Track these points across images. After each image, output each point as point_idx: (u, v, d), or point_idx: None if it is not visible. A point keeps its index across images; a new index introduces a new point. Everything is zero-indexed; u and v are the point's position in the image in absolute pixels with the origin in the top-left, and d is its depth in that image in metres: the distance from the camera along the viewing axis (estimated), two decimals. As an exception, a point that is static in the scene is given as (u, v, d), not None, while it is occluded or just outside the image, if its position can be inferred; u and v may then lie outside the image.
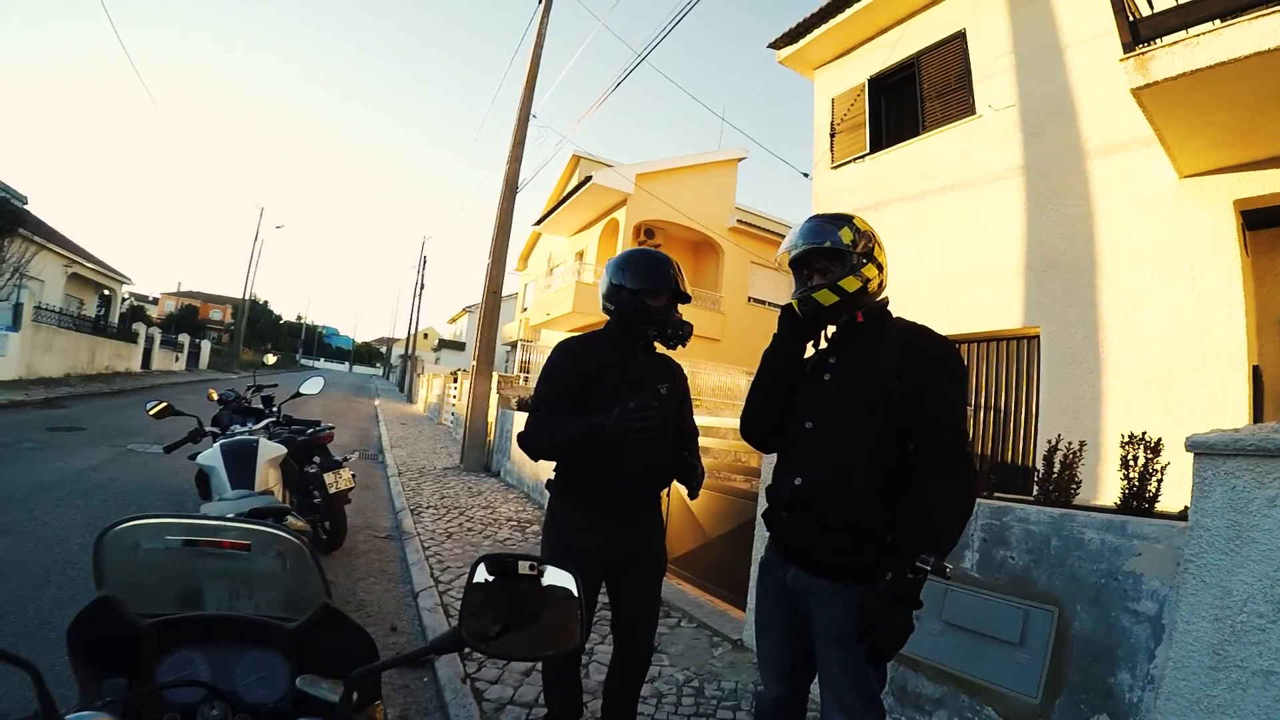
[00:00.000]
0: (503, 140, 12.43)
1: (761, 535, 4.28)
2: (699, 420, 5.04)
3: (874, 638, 1.82)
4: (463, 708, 3.29)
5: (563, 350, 2.69)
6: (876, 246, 2.11)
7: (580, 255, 22.91)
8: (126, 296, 36.98)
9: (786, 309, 2.17)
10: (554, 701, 2.79)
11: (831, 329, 2.19)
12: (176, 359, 31.74)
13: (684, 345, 2.65)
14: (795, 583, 2.06)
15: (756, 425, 2.32)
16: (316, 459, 5.77)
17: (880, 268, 2.11)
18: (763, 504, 4.20)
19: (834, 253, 2.07)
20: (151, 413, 4.95)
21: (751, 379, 2.35)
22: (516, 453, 10.38)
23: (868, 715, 1.97)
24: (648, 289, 2.57)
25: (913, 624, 1.81)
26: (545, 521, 2.76)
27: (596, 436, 2.37)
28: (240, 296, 44.17)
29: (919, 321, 2.11)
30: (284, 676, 1.30)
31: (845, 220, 2.09)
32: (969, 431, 1.94)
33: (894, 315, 2.17)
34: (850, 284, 2.04)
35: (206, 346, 37.97)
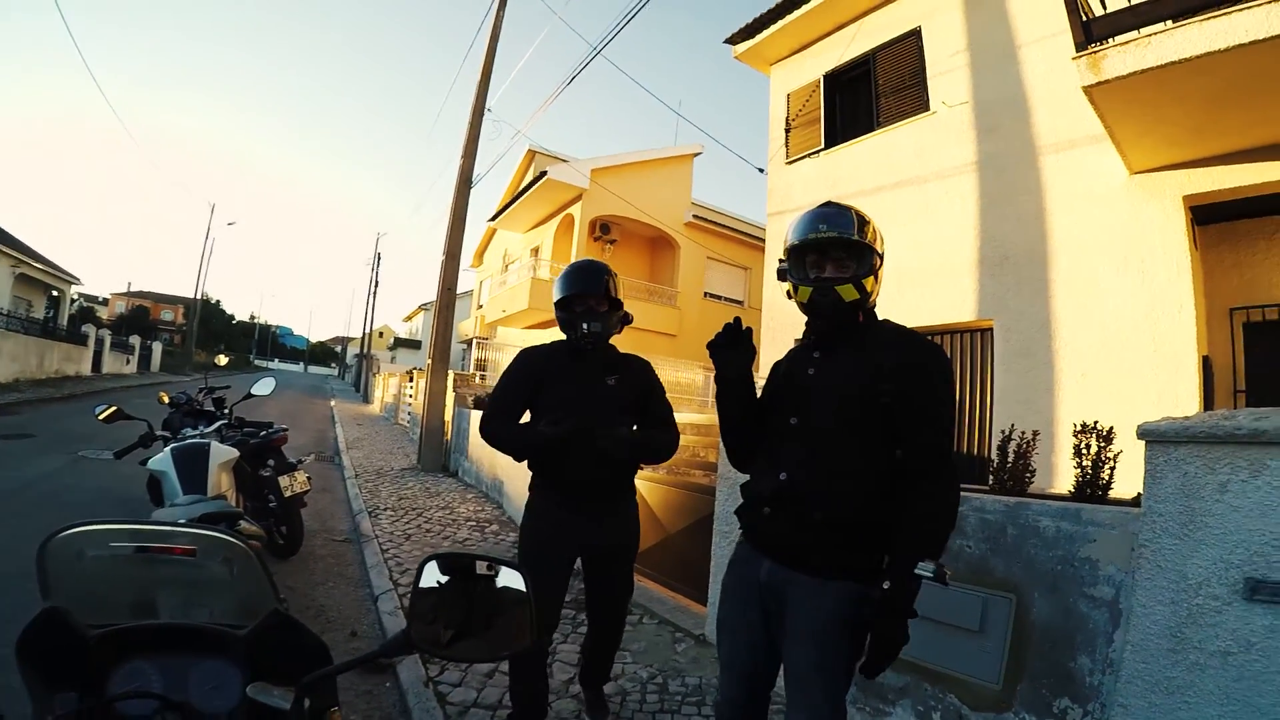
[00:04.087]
0: (458, 134, 12.34)
1: (721, 530, 4.27)
2: None
3: (873, 647, 1.81)
4: (426, 712, 3.24)
5: (519, 357, 2.99)
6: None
7: (536, 251, 22.77)
8: (76, 297, 36.11)
9: (722, 345, 2.08)
10: (519, 698, 2.91)
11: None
12: (128, 361, 30.87)
13: (591, 347, 2.83)
14: (770, 577, 2.01)
15: (743, 456, 2.27)
16: (271, 462, 5.63)
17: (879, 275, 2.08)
18: (723, 499, 4.22)
19: (857, 248, 2.00)
20: (101, 417, 4.83)
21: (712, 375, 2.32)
22: (474, 452, 10.30)
23: (834, 717, 1.95)
24: (564, 296, 2.81)
25: (908, 633, 1.80)
26: (524, 513, 2.96)
27: (534, 441, 2.73)
28: (192, 296, 43.24)
29: (877, 313, 2.11)
30: (237, 685, 1.26)
31: (865, 217, 2.03)
32: (954, 436, 1.94)
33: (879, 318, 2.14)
34: (870, 284, 2.01)
35: (158, 348, 37.03)
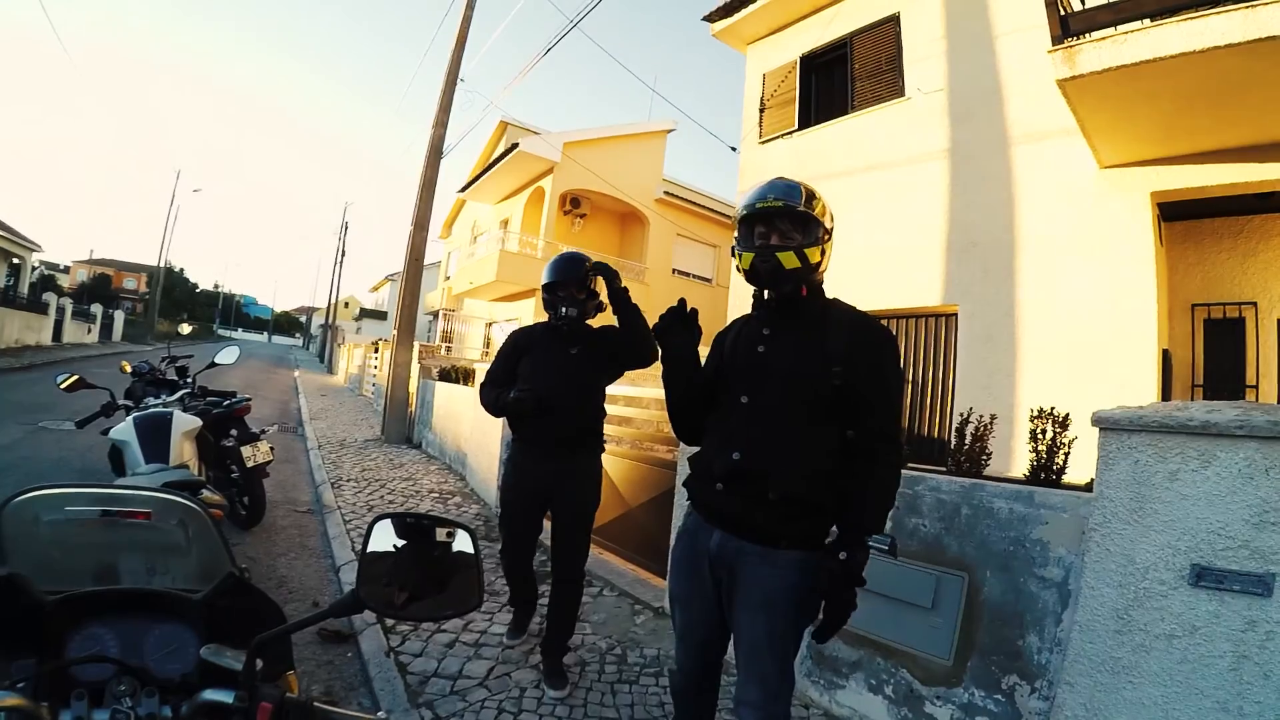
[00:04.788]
0: (430, 103, 12.18)
1: (681, 504, 4.28)
2: (622, 390, 5.17)
3: (828, 614, 1.85)
4: (387, 681, 3.25)
5: (509, 336, 3.63)
6: (827, 213, 2.07)
7: (505, 223, 22.57)
8: (37, 265, 35.18)
9: (672, 325, 2.15)
10: (515, 584, 3.72)
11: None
12: (89, 330, 30.18)
13: (567, 327, 3.35)
14: (721, 547, 2.02)
15: (690, 430, 2.31)
16: (233, 432, 5.54)
17: (828, 248, 2.09)
18: (684, 474, 4.24)
19: (802, 218, 2.01)
20: (62, 386, 4.76)
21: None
22: (438, 424, 10.26)
23: (782, 687, 1.99)
24: (549, 283, 3.32)
25: (857, 600, 1.85)
26: (504, 462, 3.58)
27: (506, 406, 3.28)
28: (155, 264, 42.38)
29: (840, 298, 2.12)
30: (193, 649, 1.26)
31: (814, 191, 2.04)
32: (902, 417, 1.98)
33: (828, 295, 2.15)
34: (814, 255, 2.00)
35: (120, 317, 36.17)
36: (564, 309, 3.29)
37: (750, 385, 2.06)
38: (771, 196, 2.00)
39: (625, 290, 3.28)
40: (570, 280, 3.30)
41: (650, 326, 2.86)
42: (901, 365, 2.08)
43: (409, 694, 3.16)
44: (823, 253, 2.04)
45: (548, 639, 3.39)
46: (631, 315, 3.26)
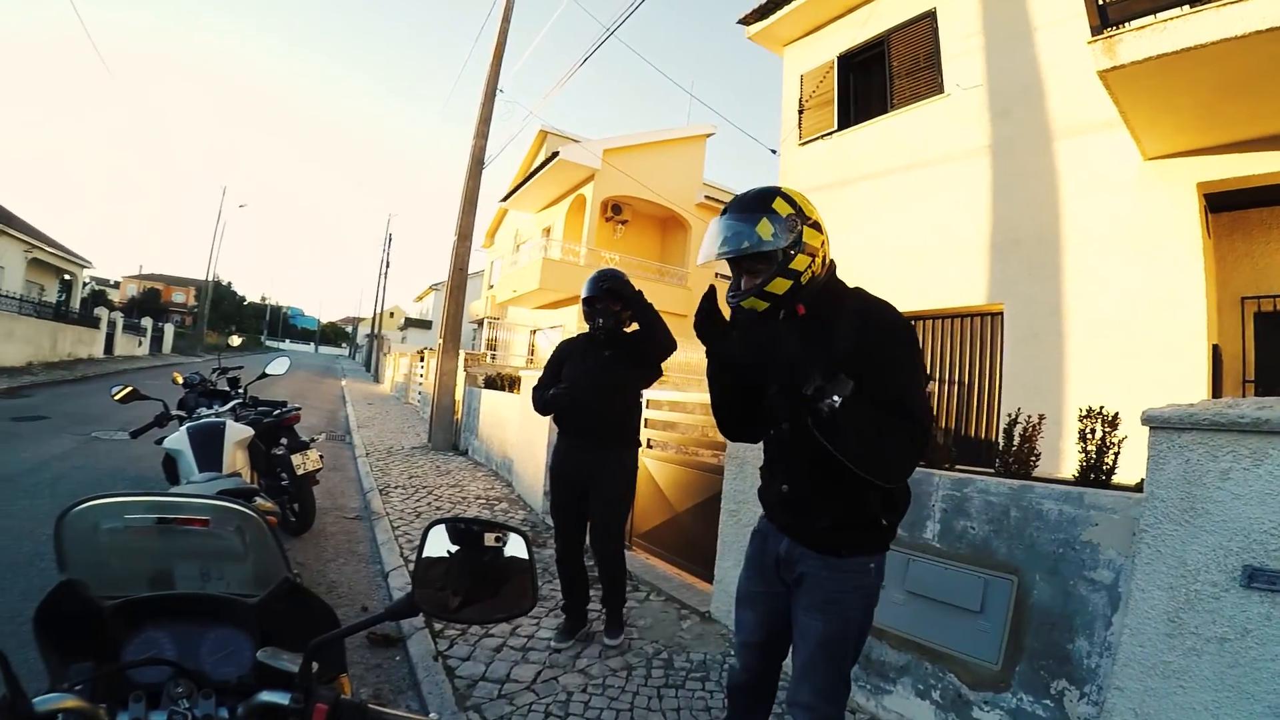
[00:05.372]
0: (470, 116, 12.29)
1: (729, 509, 4.33)
2: (667, 395, 5.24)
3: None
4: (435, 685, 3.30)
5: (556, 345, 4.21)
6: (806, 226, 1.91)
7: (547, 231, 22.72)
8: (88, 281, 36.21)
9: (700, 325, 2.09)
10: (565, 580, 3.96)
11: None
12: (140, 343, 31.05)
13: (603, 336, 3.84)
14: (789, 553, 2.06)
15: (733, 429, 2.32)
16: (283, 440, 5.69)
17: (816, 250, 1.93)
18: (731, 477, 4.27)
19: (758, 254, 1.90)
20: (117, 397, 4.87)
21: None
22: (484, 431, 10.36)
23: (836, 691, 2.01)
24: (585, 298, 3.84)
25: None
26: (551, 453, 4.13)
27: (548, 402, 3.82)
28: (203, 278, 43.33)
29: (881, 297, 2.01)
30: (248, 652, 1.29)
31: (765, 206, 1.90)
32: (931, 409, 1.92)
33: (850, 286, 2.06)
34: (779, 286, 1.90)
35: (170, 330, 37.22)
36: (600, 320, 3.80)
37: (784, 412, 2.05)
38: (716, 251, 1.92)
39: (640, 294, 3.84)
40: (592, 294, 3.80)
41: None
42: (920, 349, 1.92)
43: (457, 697, 3.21)
44: (793, 272, 1.90)
45: (605, 601, 4.06)
46: (647, 315, 3.79)
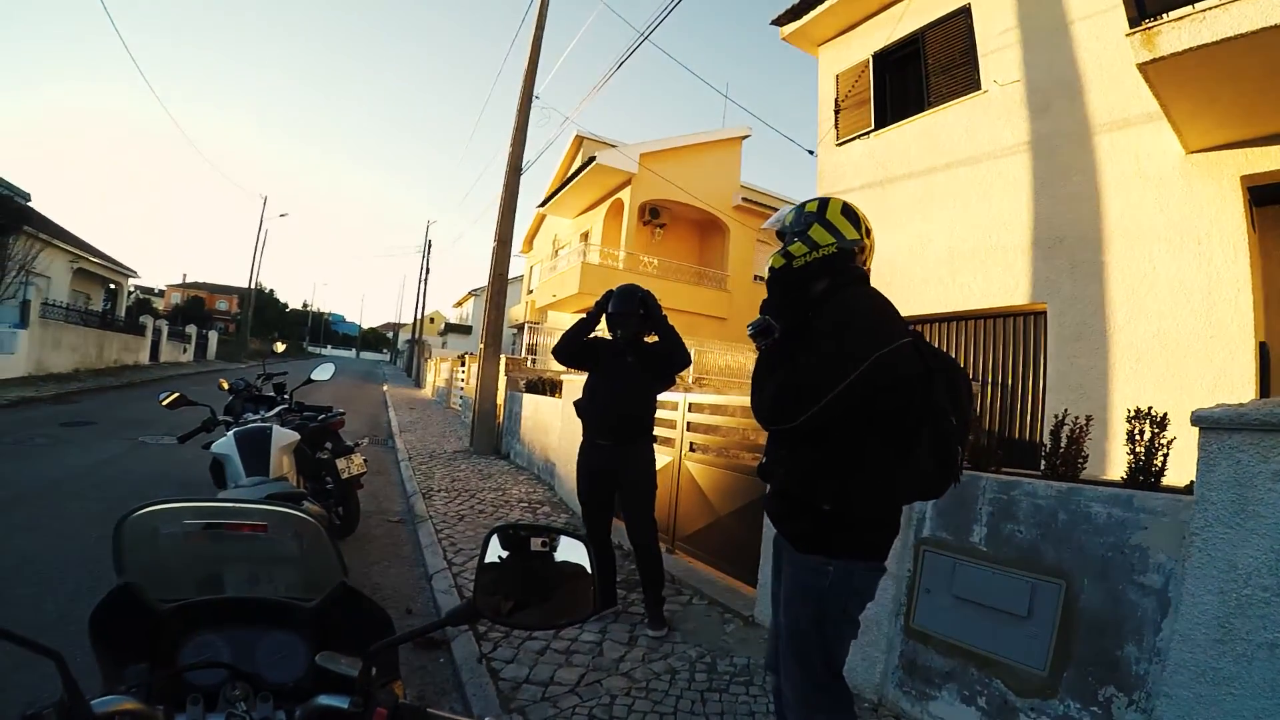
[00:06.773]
0: (507, 122, 12.40)
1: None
2: (709, 399, 5.34)
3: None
4: (479, 687, 3.35)
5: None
6: (818, 224, 2.23)
7: (585, 236, 22.86)
8: (133, 290, 37.04)
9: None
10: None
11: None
12: (184, 350, 31.81)
13: (625, 343, 4.34)
14: (778, 543, 2.26)
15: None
16: (328, 445, 5.80)
17: (817, 244, 2.20)
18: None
19: (779, 233, 2.36)
20: (164, 403, 4.99)
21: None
22: (526, 435, 10.44)
23: (805, 689, 2.10)
24: (610, 312, 4.36)
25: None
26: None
27: (577, 405, 4.44)
28: (246, 286, 44.20)
29: (862, 296, 2.14)
30: (304, 655, 1.31)
31: (802, 205, 2.33)
32: (827, 381, 1.91)
33: (859, 288, 2.18)
34: (776, 261, 2.28)
35: (214, 337, 38.05)
36: (620, 330, 4.35)
37: None
38: (766, 224, 2.47)
39: (658, 306, 4.36)
40: (627, 310, 4.31)
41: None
42: (853, 337, 1.99)
43: (501, 700, 3.26)
44: (812, 245, 2.21)
45: (645, 593, 4.32)
46: (670, 334, 4.32)
